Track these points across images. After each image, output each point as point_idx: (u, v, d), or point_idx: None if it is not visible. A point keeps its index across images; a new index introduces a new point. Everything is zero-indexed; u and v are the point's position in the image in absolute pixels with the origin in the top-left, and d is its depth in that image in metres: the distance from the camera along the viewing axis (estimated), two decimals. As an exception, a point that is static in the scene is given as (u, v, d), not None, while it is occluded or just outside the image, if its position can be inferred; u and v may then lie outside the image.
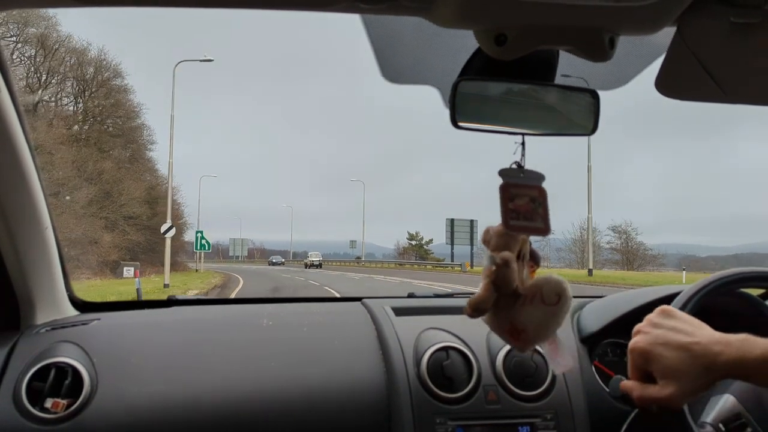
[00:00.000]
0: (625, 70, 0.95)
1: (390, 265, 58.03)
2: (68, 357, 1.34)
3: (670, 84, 0.90)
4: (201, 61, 27.62)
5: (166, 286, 21.15)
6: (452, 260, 51.07)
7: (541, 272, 0.97)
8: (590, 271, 31.62)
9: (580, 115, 0.91)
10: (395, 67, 0.98)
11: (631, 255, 50.88)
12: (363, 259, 68.40)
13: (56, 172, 26.98)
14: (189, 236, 44.13)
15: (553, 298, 0.92)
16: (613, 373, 1.52)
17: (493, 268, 0.90)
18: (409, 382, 1.40)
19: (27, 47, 34.27)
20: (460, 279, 29.35)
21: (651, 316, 1.01)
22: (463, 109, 0.87)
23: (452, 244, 51.24)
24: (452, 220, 51.34)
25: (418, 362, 1.44)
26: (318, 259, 57.35)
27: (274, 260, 73.71)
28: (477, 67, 0.89)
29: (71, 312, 1.66)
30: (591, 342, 1.59)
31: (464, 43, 0.86)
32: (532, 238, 0.94)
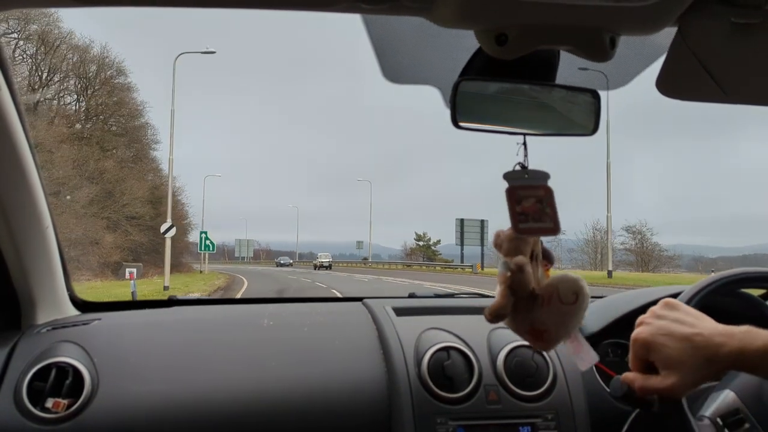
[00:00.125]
0: (626, 70, 0.97)
1: (398, 266, 57.92)
2: (69, 357, 1.37)
3: (670, 84, 0.91)
4: (203, 53, 27.37)
5: (165, 288, 20.81)
6: (462, 261, 50.67)
7: (554, 273, 0.99)
8: (610, 273, 30.90)
9: (580, 115, 0.93)
10: (396, 67, 1.00)
11: (645, 256, 50.56)
12: (370, 260, 68.34)
13: (56, 171, 26.98)
14: (193, 237, 44.15)
15: (570, 297, 0.95)
16: (614, 373, 1.53)
17: (508, 273, 0.92)
18: (410, 382, 1.43)
19: (29, 45, 34.53)
20: (472, 281, 28.99)
21: (655, 308, 1.03)
22: (463, 109, 0.89)
23: (462, 244, 50.94)
24: (462, 220, 51.08)
25: (418, 362, 1.46)
26: (328, 260, 56.64)
27: (282, 261, 72.44)
28: (478, 67, 0.90)
29: (72, 312, 1.70)
30: (592, 342, 1.58)
31: (465, 43, 0.88)
32: (544, 238, 0.97)
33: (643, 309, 1.51)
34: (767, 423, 1.12)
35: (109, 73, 39.40)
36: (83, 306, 1.75)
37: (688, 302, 1.17)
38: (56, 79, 36.55)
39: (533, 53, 0.84)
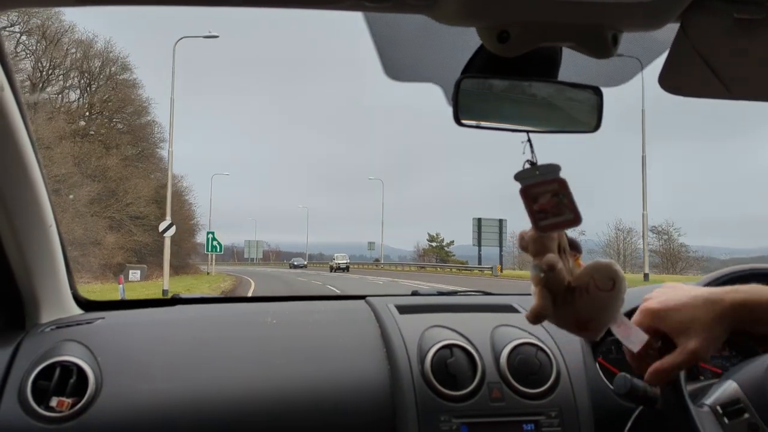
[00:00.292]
0: (629, 66, 0.99)
1: (412, 267, 57.65)
2: (73, 356, 1.42)
3: (673, 80, 0.94)
4: (205, 37, 26.23)
5: (164, 292, 20.13)
6: (479, 263, 49.92)
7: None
8: (646, 276, 29.69)
9: (583, 112, 0.95)
10: (398, 65, 1.03)
11: (673, 257, 49.99)
12: (382, 261, 67.89)
13: (55, 168, 26.87)
14: (201, 238, 44.16)
15: (608, 284, 0.98)
16: (618, 370, 1.57)
17: (541, 275, 0.95)
18: (413, 380, 1.47)
19: (31, 39, 34.71)
20: (492, 284, 27.83)
21: (657, 289, 1.08)
22: (465, 107, 0.92)
23: (479, 245, 50.36)
24: (479, 220, 50.56)
25: (422, 360, 1.50)
26: (345, 261, 55.53)
27: (296, 263, 71.85)
28: (479, 65, 0.94)
29: (76, 311, 1.75)
30: (594, 341, 1.63)
31: (467, 40, 0.91)
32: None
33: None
34: None
35: (113, 69, 39.61)
36: (87, 305, 1.80)
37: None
38: (59, 74, 36.74)
39: (535, 50, 0.87)
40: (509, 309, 1.76)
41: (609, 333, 1.63)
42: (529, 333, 1.59)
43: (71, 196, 28.10)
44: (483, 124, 0.95)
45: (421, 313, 1.69)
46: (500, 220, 50.09)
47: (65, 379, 1.38)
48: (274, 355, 1.53)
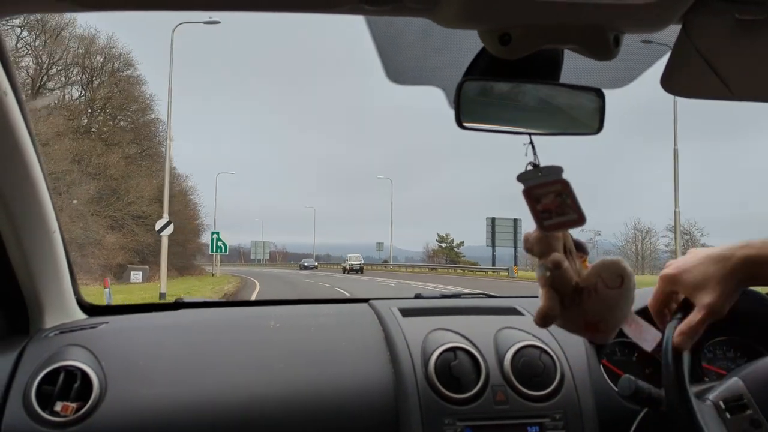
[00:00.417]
0: (631, 68, 1.01)
1: (423, 269, 57.37)
2: (77, 360, 1.45)
3: (675, 81, 0.96)
4: (205, 23, 25.90)
5: (162, 296, 19.11)
6: (494, 264, 49.25)
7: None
8: None
9: (585, 114, 0.98)
10: (400, 68, 1.06)
11: (694, 259, 49.15)
12: (391, 262, 67.22)
13: (53, 165, 26.52)
14: (206, 238, 43.84)
15: (616, 281, 1.00)
16: (622, 372, 1.61)
17: (547, 274, 0.97)
18: (417, 383, 1.49)
19: (32, 35, 34.74)
20: (508, 287, 27.67)
21: (687, 253, 1.15)
22: (467, 110, 0.94)
23: (494, 245, 49.80)
24: (493, 219, 50.11)
25: (425, 363, 1.53)
26: (359, 262, 54.02)
27: (306, 264, 70.45)
28: (481, 67, 0.96)
29: (79, 315, 1.78)
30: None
31: (469, 43, 0.93)
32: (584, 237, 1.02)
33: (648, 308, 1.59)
34: None
35: (116, 65, 39.60)
36: (90, 309, 1.83)
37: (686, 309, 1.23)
38: (59, 70, 36.51)
39: (537, 53, 0.89)
40: (513, 312, 1.78)
41: (615, 334, 1.67)
42: (533, 335, 1.61)
43: (74, 201, 27.89)
44: (485, 126, 0.97)
45: (424, 316, 1.72)
46: (515, 220, 49.47)
47: (69, 384, 1.41)
48: (278, 359, 1.56)
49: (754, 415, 1.15)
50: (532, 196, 0.96)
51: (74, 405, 1.38)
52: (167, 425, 1.40)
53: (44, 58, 35.53)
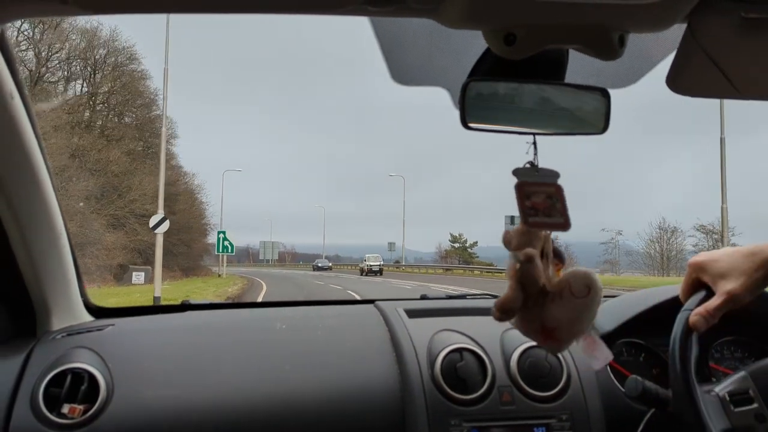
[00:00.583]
0: (636, 67, 1.04)
1: (437, 270, 57.29)
2: (84, 363, 1.49)
3: (681, 81, 0.97)
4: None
5: (156, 299, 18.25)
6: None
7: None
8: None
9: (591, 114, 1.00)
10: (404, 69, 1.08)
11: (725, 260, 48.35)
12: (403, 263, 66.12)
13: (49, 160, 25.68)
14: (213, 238, 43.18)
15: (583, 291, 1.02)
16: (629, 372, 1.62)
17: (517, 266, 0.99)
18: (423, 384, 1.53)
19: (31, 25, 34.63)
20: None
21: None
22: (473, 110, 0.97)
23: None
24: (512, 218, 49.82)
25: (431, 364, 1.56)
26: (377, 263, 51.63)
27: (320, 264, 69.57)
28: (486, 68, 0.98)
29: (86, 318, 1.82)
30: (606, 341, 1.68)
31: (473, 43, 0.95)
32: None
33: (657, 308, 1.63)
34: None
35: (119, 59, 39.66)
36: (97, 312, 1.87)
37: (707, 297, 1.26)
38: (60, 62, 36.55)
39: (542, 53, 0.91)
40: None
41: (621, 334, 1.70)
42: None
43: (81, 204, 27.70)
44: (490, 127, 0.99)
45: (430, 317, 1.75)
46: None
47: (76, 386, 1.44)
48: (284, 360, 1.59)
49: (759, 409, 1.18)
50: (523, 191, 0.98)
51: (81, 407, 1.42)
52: (174, 427, 1.43)
53: (43, 50, 35.53)
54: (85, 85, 38.68)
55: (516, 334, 1.65)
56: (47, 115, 28.90)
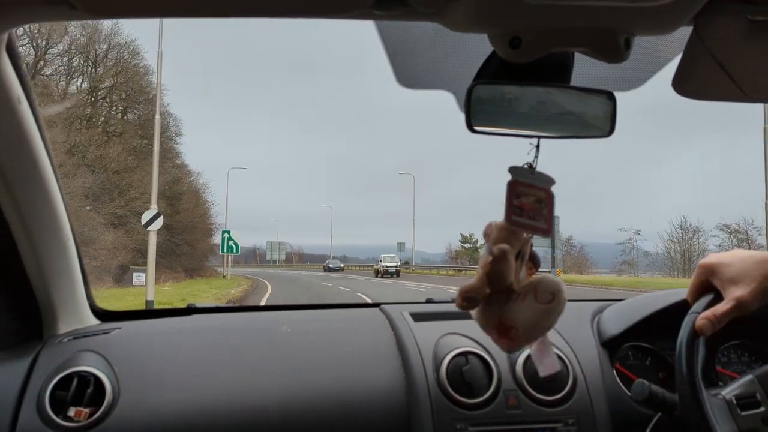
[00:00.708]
0: (642, 70, 1.06)
1: (449, 271, 56.16)
2: (90, 366, 1.52)
3: (687, 84, 0.99)
4: None
5: (148, 303, 17.10)
6: None
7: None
8: None
9: (596, 117, 1.01)
10: (410, 73, 1.10)
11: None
12: (414, 264, 64.74)
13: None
14: (219, 238, 43.79)
15: (547, 297, 1.05)
16: (635, 376, 1.64)
17: (490, 259, 1.02)
18: (429, 388, 1.55)
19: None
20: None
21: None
22: (478, 114, 0.99)
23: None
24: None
25: (437, 368, 1.58)
26: (394, 264, 48.67)
27: (331, 265, 68.11)
28: (492, 71, 1.00)
29: (92, 321, 1.86)
30: (612, 345, 1.71)
31: (478, 46, 0.97)
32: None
33: (664, 311, 1.64)
34: None
35: (122, 54, 39.44)
36: (103, 315, 1.91)
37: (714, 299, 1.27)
38: (60, 52, 36.18)
39: (547, 56, 0.92)
40: None
41: (627, 338, 1.72)
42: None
43: (88, 208, 27.46)
44: (496, 130, 1.01)
45: (435, 321, 1.77)
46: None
47: (83, 389, 1.47)
48: (289, 364, 1.62)
49: (766, 413, 1.20)
50: (514, 190, 1.02)
51: (87, 410, 1.45)
52: (179, 430, 1.46)
53: (41, 41, 35.33)
54: (85, 79, 38.68)
55: None
56: (42, 111, 28.56)
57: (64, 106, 33.57)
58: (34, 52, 34.81)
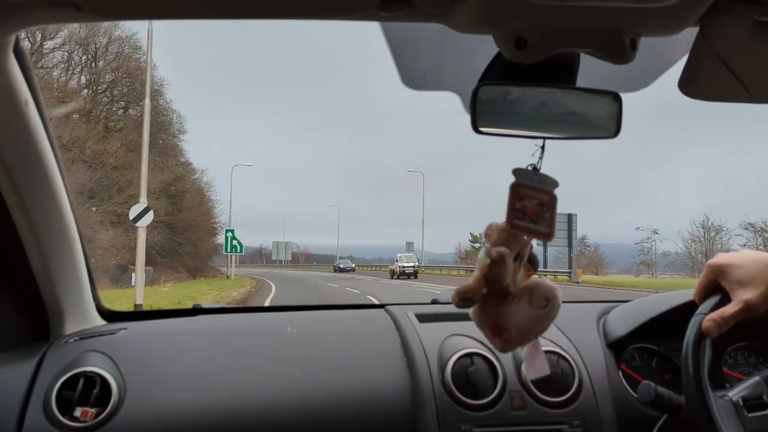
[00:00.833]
0: (648, 71, 1.06)
1: (459, 272, 56.62)
2: (96, 366, 1.55)
3: (693, 84, 1.00)
4: None
5: (136, 306, 16.42)
6: (545, 266, 45.46)
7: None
8: None
9: (602, 118, 1.03)
10: (415, 74, 1.12)
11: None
12: (422, 264, 64.80)
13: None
14: (223, 237, 43.19)
15: (541, 302, 1.08)
16: (641, 378, 1.66)
17: (488, 261, 1.04)
18: (434, 389, 1.57)
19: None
20: (576, 293, 24.00)
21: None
22: (483, 115, 1.01)
23: (545, 245, 47.19)
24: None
25: (442, 369, 1.61)
26: (411, 264, 45.95)
27: (342, 265, 66.62)
28: (497, 72, 1.02)
29: (99, 322, 1.89)
30: (618, 347, 1.73)
31: (484, 47, 0.99)
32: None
33: (670, 312, 1.66)
34: None
35: (123, 47, 39.58)
36: (110, 316, 1.94)
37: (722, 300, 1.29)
38: (57, 44, 36.07)
39: (553, 56, 0.94)
40: None
41: (633, 340, 1.73)
42: (551, 341, 1.68)
43: (94, 209, 27.48)
44: (501, 131, 1.03)
45: (440, 322, 1.80)
46: (569, 215, 44.95)
47: (89, 390, 1.50)
48: (295, 364, 1.65)
49: None
50: (517, 192, 1.04)
51: (93, 410, 1.48)
52: (185, 430, 1.49)
53: (37, 34, 35.03)
54: (85, 73, 38.67)
55: None
56: (49, 112, 28.54)
57: (71, 108, 33.54)
58: (30, 45, 34.77)
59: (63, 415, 1.47)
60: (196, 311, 2.02)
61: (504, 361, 1.64)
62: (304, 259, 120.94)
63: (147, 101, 20.12)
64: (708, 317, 1.21)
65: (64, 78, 36.78)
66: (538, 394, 1.59)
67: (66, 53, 36.87)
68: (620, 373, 1.70)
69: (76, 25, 36.02)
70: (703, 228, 50.45)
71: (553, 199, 1.05)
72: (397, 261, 47.49)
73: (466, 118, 1.04)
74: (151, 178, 34.01)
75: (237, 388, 1.58)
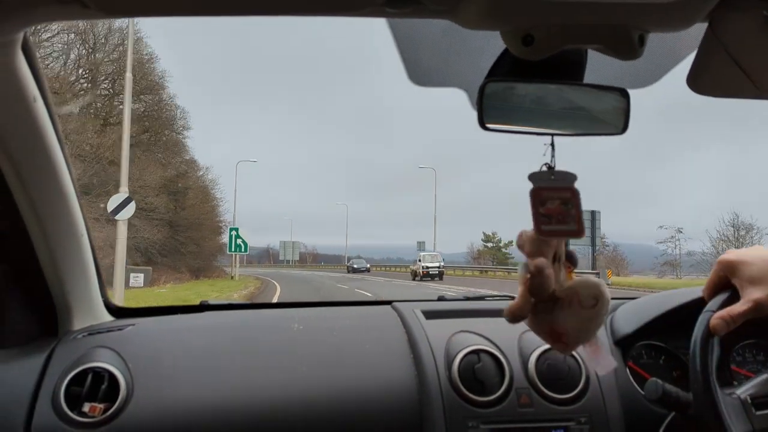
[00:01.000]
0: (656, 67, 1.08)
1: (474, 272, 55.36)
2: (105, 362, 1.59)
3: (702, 81, 1.02)
4: None
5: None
6: None
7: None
8: None
9: (610, 114, 1.05)
10: (422, 70, 1.13)
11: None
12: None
13: None
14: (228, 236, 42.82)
15: (590, 302, 1.10)
16: (649, 375, 1.69)
17: (528, 275, 1.07)
18: (441, 386, 1.60)
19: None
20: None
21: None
22: (490, 111, 1.03)
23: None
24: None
25: (449, 365, 1.64)
26: (436, 264, 42.83)
27: (356, 266, 65.15)
28: (504, 68, 1.03)
29: (107, 318, 1.94)
30: (625, 344, 1.76)
31: (491, 44, 1.00)
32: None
33: (678, 310, 1.69)
34: None
35: (123, 39, 39.80)
36: (117, 312, 1.99)
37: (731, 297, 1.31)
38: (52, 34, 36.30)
39: (560, 53, 0.95)
40: None
41: (641, 337, 1.75)
42: None
43: (102, 205, 27.53)
44: (509, 128, 1.05)
45: (447, 318, 1.83)
46: (592, 212, 42.35)
47: (97, 385, 1.55)
48: (301, 361, 1.68)
49: None
50: (538, 197, 1.05)
51: (102, 406, 1.52)
52: (193, 426, 1.53)
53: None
54: (83, 65, 38.78)
55: (534, 337, 1.74)
56: (57, 109, 28.44)
57: (80, 105, 33.66)
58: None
59: (72, 410, 1.52)
60: (203, 307, 2.06)
61: (511, 357, 1.67)
62: (311, 259, 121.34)
63: (128, 75, 20.10)
64: (716, 315, 1.22)
65: (63, 73, 36.77)
66: (545, 391, 1.62)
67: (65, 45, 36.87)
68: (627, 370, 1.72)
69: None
70: (732, 227, 49.65)
71: (576, 194, 1.06)
72: (419, 261, 44.25)
73: (473, 114, 1.07)
74: (152, 173, 34.09)
75: (243, 383, 1.62)
